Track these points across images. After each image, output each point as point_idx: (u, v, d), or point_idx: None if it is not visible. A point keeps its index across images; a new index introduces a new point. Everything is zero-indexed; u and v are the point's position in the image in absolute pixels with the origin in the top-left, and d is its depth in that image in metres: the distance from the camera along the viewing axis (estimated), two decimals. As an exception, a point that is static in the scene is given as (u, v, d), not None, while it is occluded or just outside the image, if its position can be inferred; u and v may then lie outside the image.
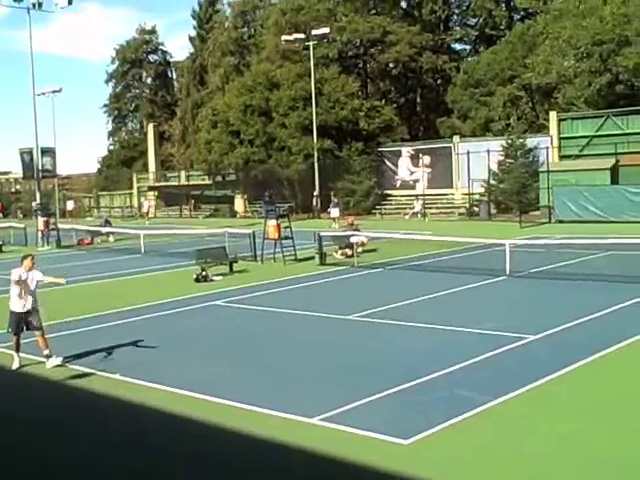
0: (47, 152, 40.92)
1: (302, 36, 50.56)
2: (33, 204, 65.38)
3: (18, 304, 12.13)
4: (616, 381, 10.61)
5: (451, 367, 11.22)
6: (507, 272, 19.77)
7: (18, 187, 78.62)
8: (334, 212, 39.43)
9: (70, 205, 61.54)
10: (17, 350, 12.40)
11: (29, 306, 12.15)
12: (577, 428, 8.79)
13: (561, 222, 35.15)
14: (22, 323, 12.20)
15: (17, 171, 58.06)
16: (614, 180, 37.61)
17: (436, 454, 8.25)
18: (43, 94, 53.80)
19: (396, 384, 10.47)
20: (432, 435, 8.63)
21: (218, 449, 8.85)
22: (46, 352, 12.27)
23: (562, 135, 42.64)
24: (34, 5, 37.71)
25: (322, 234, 25.29)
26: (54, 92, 56.53)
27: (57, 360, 12.28)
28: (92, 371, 11.97)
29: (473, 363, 11.48)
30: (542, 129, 46.37)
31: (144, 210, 53.03)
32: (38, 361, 12.49)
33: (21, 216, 63.73)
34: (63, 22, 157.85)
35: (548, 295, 17.56)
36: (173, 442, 9.01)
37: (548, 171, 38.68)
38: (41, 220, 35.87)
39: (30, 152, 39.75)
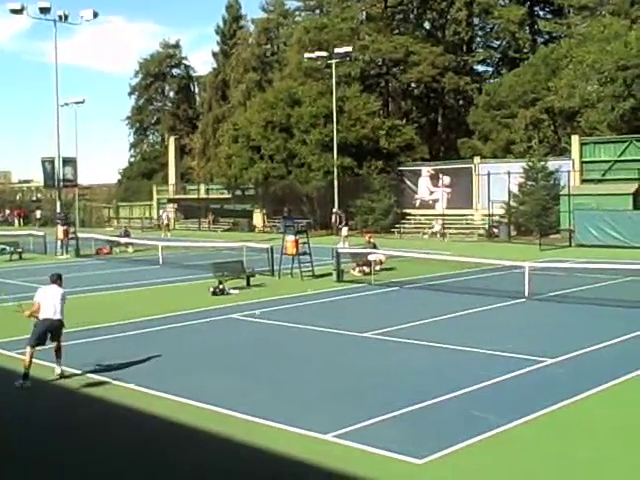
0: (68, 162, 41.04)
1: (325, 54, 50.63)
2: (37, 213, 66.82)
3: None
4: (634, 408, 10.45)
5: (467, 388, 11.13)
6: (526, 295, 19.62)
7: (39, 195, 79.24)
8: (344, 230, 39.20)
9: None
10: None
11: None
12: (593, 455, 8.67)
13: (582, 246, 34.88)
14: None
15: (38, 180, 58.56)
16: (636, 205, 37.25)
17: (450, 475, 8.18)
18: (66, 105, 54.23)
19: (411, 403, 10.40)
20: (446, 456, 8.55)
21: (225, 460, 8.84)
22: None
23: (584, 159, 42.38)
24: (60, 17, 37.93)
25: (340, 251, 25.26)
26: (77, 103, 56.97)
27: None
28: (108, 380, 12.01)
29: (490, 385, 11.38)
30: (564, 152, 46.11)
31: (165, 222, 53.30)
32: (55, 368, 12.54)
33: (20, 223, 65.19)
34: (88, 35, 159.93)
35: (567, 319, 17.42)
36: (180, 452, 8.98)
37: (569, 195, 38.47)
38: (60, 229, 36.07)
39: (52, 161, 39.93)
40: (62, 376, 12.35)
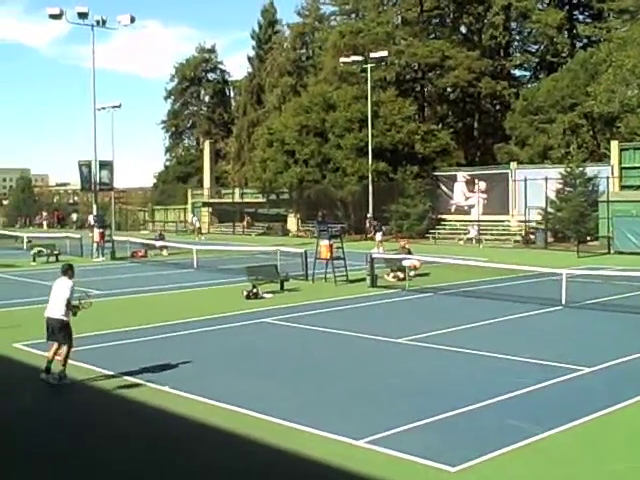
0: (105, 165, 41.35)
1: (360, 58, 50.63)
2: (74, 216, 68.19)
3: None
4: (675, 419, 10.20)
5: (502, 396, 10.96)
6: (563, 302, 19.31)
7: (76, 199, 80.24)
8: (378, 236, 38.91)
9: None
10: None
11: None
12: (630, 467, 8.45)
13: (620, 253, 34.34)
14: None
15: (75, 183, 59.16)
16: (676, 213, 36.58)
17: (484, 484, 8.02)
18: (103, 109, 54.80)
19: (445, 410, 10.26)
20: (480, 464, 8.40)
21: (251, 463, 8.79)
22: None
23: (623, 165, 41.70)
24: (98, 22, 38.27)
25: (374, 256, 25.13)
26: (114, 107, 57.54)
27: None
28: (142, 382, 12.02)
29: (525, 393, 11.19)
30: (603, 158, 45.47)
31: (197, 226, 53.98)
32: (90, 370, 12.60)
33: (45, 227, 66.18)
34: (125, 39, 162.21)
35: (605, 327, 17.10)
36: (205, 454, 8.97)
37: (608, 201, 37.84)
38: (97, 232, 36.48)
39: (88, 165, 40.29)
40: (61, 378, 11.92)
